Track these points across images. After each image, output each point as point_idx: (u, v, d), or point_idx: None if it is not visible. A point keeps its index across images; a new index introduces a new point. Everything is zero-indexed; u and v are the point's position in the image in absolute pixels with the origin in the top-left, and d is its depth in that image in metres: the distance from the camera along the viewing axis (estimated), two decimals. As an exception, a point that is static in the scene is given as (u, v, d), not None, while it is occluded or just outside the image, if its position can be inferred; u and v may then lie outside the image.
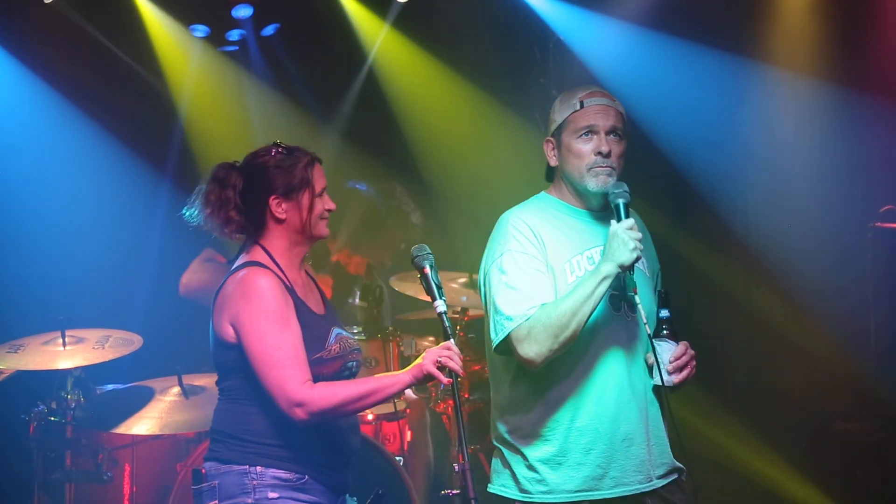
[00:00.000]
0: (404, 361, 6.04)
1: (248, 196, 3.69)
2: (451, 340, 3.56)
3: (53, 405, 5.46)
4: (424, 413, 6.38)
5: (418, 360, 3.56)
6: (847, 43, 6.68)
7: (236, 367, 3.61)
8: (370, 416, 5.81)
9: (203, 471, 3.65)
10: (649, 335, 3.65)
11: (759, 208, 6.99)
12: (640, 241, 3.59)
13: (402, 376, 3.58)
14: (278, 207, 3.69)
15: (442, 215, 7.70)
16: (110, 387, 5.73)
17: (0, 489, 6.02)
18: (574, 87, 3.85)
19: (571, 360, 3.65)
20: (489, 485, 3.82)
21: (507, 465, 3.76)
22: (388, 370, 6.02)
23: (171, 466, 5.58)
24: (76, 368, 5.45)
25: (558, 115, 3.79)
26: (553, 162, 3.80)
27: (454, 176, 7.74)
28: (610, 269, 3.57)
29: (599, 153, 3.70)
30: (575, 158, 3.72)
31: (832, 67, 6.71)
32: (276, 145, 3.73)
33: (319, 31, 7.49)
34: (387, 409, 5.80)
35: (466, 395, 6.49)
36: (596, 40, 7.21)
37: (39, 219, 6.53)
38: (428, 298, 3.66)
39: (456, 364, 3.52)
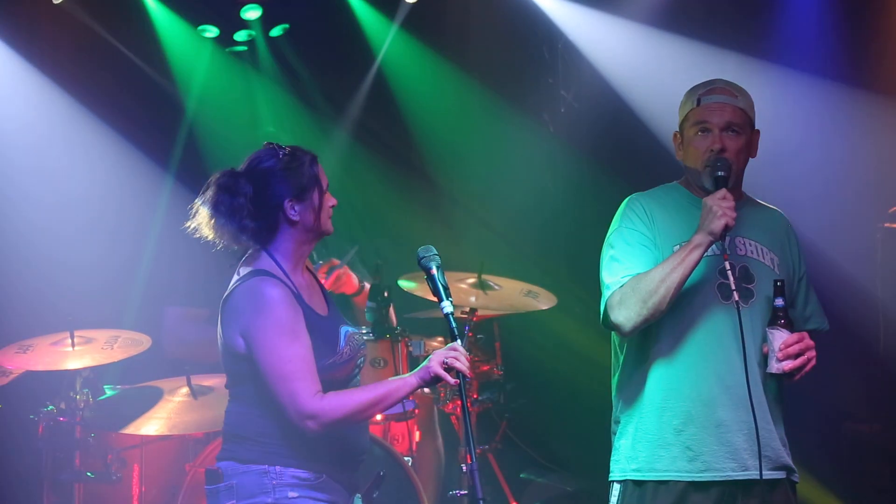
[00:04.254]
0: (413, 362, 6.03)
1: (259, 202, 3.65)
2: (458, 341, 3.55)
3: (62, 405, 5.47)
4: (433, 414, 6.38)
5: (425, 363, 3.56)
6: (856, 42, 6.66)
7: (249, 376, 3.59)
8: (379, 417, 5.80)
9: (219, 471, 3.61)
10: (739, 321, 3.61)
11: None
12: (731, 209, 3.60)
13: (409, 380, 3.57)
14: (292, 210, 3.66)
15: (450, 215, 7.69)
16: (119, 387, 5.74)
17: (9, 489, 6.03)
18: (700, 82, 3.86)
19: (673, 341, 3.69)
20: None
21: (615, 443, 3.80)
22: (396, 371, 6.01)
23: (179, 467, 5.57)
24: (85, 369, 5.46)
25: (681, 111, 3.85)
26: (678, 156, 3.87)
27: (462, 176, 7.73)
28: (700, 237, 3.61)
29: (712, 150, 3.74)
30: (693, 154, 3.79)
31: (840, 67, 6.69)
32: (279, 147, 3.71)
33: (328, 32, 7.50)
34: (395, 409, 5.79)
35: (475, 396, 6.48)
36: (604, 40, 7.21)
37: (47, 218, 6.52)
38: (435, 299, 3.66)
39: (462, 365, 3.51)
